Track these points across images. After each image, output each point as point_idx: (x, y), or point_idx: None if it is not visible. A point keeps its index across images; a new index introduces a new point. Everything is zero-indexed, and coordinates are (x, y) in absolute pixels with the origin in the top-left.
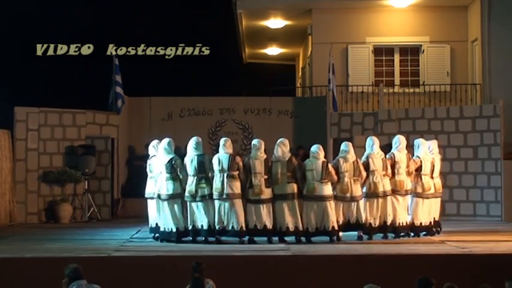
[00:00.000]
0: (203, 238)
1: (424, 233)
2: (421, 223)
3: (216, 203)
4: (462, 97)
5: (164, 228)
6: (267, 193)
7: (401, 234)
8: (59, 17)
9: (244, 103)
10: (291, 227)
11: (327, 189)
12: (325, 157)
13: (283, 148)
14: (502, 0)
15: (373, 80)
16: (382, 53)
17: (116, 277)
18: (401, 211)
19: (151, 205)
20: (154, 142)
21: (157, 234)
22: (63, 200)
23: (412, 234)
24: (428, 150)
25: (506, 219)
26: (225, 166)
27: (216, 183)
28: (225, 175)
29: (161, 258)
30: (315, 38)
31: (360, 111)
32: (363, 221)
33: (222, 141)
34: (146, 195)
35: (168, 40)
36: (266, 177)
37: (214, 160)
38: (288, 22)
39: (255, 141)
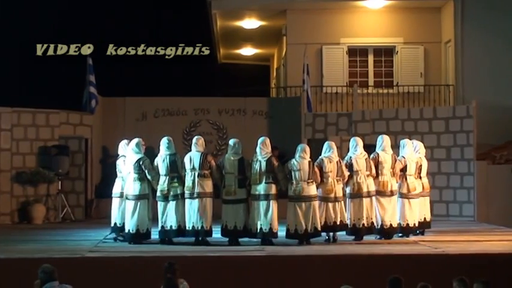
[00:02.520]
0: (173, 239)
1: (418, 232)
2: (408, 224)
3: (187, 201)
4: (435, 98)
5: (129, 229)
6: (239, 193)
7: (389, 235)
8: (59, 17)
9: (218, 103)
10: (265, 229)
11: (313, 190)
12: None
13: (264, 148)
14: (475, 2)
15: (347, 81)
16: (356, 53)
17: (89, 278)
18: (387, 212)
19: (115, 204)
20: (124, 142)
21: (113, 234)
22: (36, 200)
23: (400, 235)
24: (413, 151)
25: (479, 219)
26: (196, 165)
27: (188, 182)
28: (196, 174)
29: (135, 259)
30: (289, 38)
31: (334, 111)
32: (346, 222)
33: (194, 139)
34: (112, 195)
35: (169, 40)
36: (240, 177)
37: (186, 159)
38: (262, 23)
39: (231, 141)
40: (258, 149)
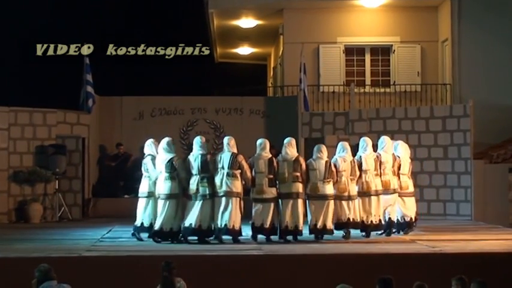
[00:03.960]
0: (195, 238)
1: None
2: (411, 218)
3: (216, 200)
4: (433, 97)
5: (161, 227)
6: (269, 192)
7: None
8: (59, 17)
9: (215, 103)
10: (291, 226)
11: (329, 189)
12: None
13: (290, 148)
14: (472, 1)
15: (344, 80)
16: (353, 53)
17: (87, 277)
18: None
19: (141, 204)
20: (150, 141)
21: (135, 232)
22: (33, 199)
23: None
24: (406, 151)
25: (476, 218)
26: (226, 164)
27: (217, 181)
28: (225, 173)
29: (132, 258)
30: (286, 37)
31: (331, 111)
32: (359, 220)
33: (225, 139)
34: (139, 195)
35: (169, 40)
36: (271, 176)
37: (217, 158)
38: (259, 22)
39: (259, 141)
40: (284, 149)
